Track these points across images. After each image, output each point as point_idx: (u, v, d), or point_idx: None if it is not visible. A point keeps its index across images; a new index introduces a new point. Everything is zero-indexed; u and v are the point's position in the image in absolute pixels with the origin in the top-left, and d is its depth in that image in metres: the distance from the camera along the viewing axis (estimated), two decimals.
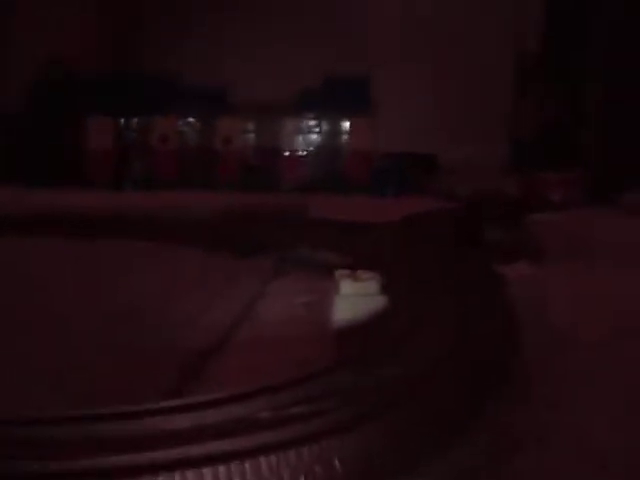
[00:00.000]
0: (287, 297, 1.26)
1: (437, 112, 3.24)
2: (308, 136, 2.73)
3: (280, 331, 1.09)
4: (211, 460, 0.51)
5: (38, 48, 3.02)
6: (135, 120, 2.77)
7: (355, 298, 1.02)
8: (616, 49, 2.69)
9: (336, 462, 0.55)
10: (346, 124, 2.72)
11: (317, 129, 2.74)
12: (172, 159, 2.72)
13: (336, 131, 2.74)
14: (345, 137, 2.73)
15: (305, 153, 2.73)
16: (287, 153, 2.73)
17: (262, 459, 0.52)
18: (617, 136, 2.69)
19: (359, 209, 2.11)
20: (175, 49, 3.33)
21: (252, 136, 2.74)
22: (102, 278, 1.40)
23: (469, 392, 0.75)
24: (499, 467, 0.68)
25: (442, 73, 3.34)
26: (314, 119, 2.73)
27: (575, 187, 2.41)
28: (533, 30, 3.14)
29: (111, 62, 3.36)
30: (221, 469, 0.51)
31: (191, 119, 2.74)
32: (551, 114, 2.95)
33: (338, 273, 1.07)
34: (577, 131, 2.81)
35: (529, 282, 1.31)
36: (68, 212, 1.99)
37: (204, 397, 0.58)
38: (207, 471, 0.50)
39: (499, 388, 0.81)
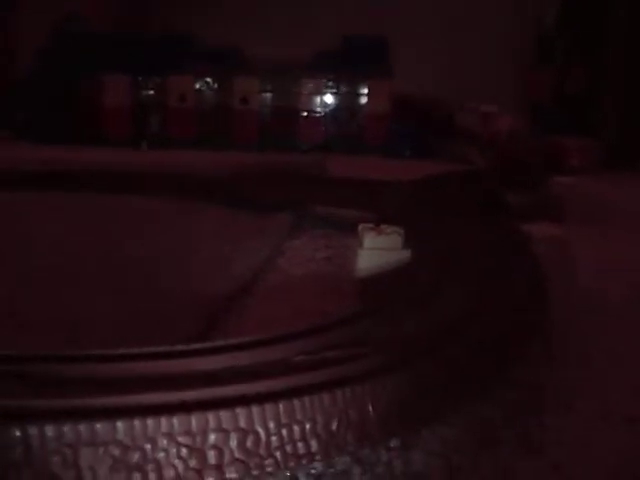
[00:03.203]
0: (308, 252, 1.26)
1: (455, 76, 3.21)
2: (326, 96, 2.71)
3: (302, 283, 1.08)
4: (245, 401, 0.50)
5: (54, 5, 3.01)
6: (152, 78, 2.75)
7: (379, 251, 1.02)
8: (638, 14, 2.66)
9: (370, 407, 0.55)
10: (364, 85, 2.70)
11: (335, 90, 2.72)
12: (189, 118, 2.71)
13: (354, 92, 2.72)
14: (363, 98, 2.71)
15: (323, 113, 2.71)
16: (304, 113, 2.71)
17: (296, 401, 0.52)
18: (636, 102, 2.67)
19: (376, 170, 2.10)
20: (191, 7, 3.31)
21: (269, 96, 2.72)
22: (120, 233, 1.39)
23: (495, 348, 0.74)
24: (524, 425, 0.68)
25: (460, 37, 3.31)
26: (332, 79, 2.71)
27: (593, 153, 2.39)
28: None
29: (127, 20, 3.35)
30: (255, 410, 0.50)
31: (208, 78, 2.72)
32: (570, 80, 2.93)
33: (361, 227, 1.06)
34: (596, 97, 2.78)
35: (554, 242, 1.30)
36: (85, 169, 1.98)
37: (236, 340, 0.58)
38: (241, 411, 0.50)
39: (526, 346, 0.80)
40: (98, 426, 0.47)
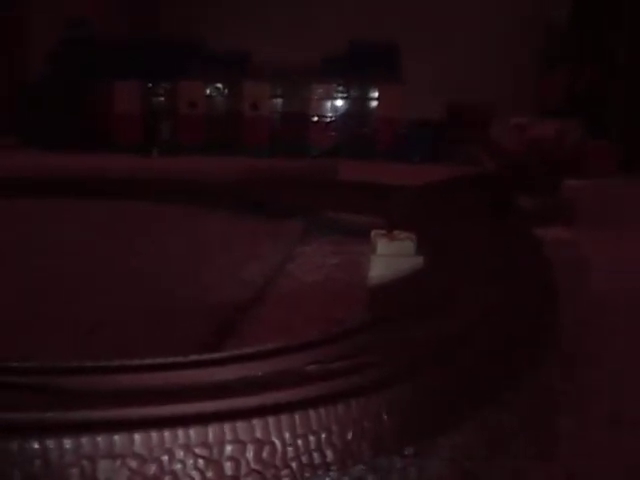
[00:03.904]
0: (318, 258, 1.26)
1: (465, 80, 3.21)
2: (336, 101, 2.72)
3: (314, 290, 1.08)
4: (260, 412, 0.51)
5: (63, 11, 3.01)
6: (162, 84, 2.76)
7: (391, 258, 1.02)
8: None
9: (384, 416, 0.55)
10: (374, 90, 2.71)
11: (345, 94, 2.72)
12: (199, 124, 2.72)
13: (364, 97, 2.72)
14: (373, 103, 2.72)
15: (333, 118, 2.72)
16: (315, 118, 2.71)
17: (311, 412, 0.52)
18: None
19: (386, 174, 2.10)
20: (201, 12, 3.32)
21: (279, 101, 2.72)
22: (131, 239, 1.40)
23: (507, 352, 0.74)
24: (536, 428, 0.68)
25: (470, 42, 3.31)
26: (342, 84, 2.71)
27: (605, 156, 2.39)
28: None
29: (136, 26, 3.35)
30: (271, 421, 0.50)
31: (218, 84, 2.73)
32: (580, 83, 2.93)
33: (374, 233, 1.06)
34: (606, 100, 2.78)
35: (565, 245, 1.30)
36: (95, 175, 1.99)
37: (251, 349, 0.58)
38: (257, 422, 0.50)
39: (537, 349, 0.80)
40: (116, 438, 0.48)
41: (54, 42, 2.96)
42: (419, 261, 1.01)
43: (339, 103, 2.71)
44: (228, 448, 0.49)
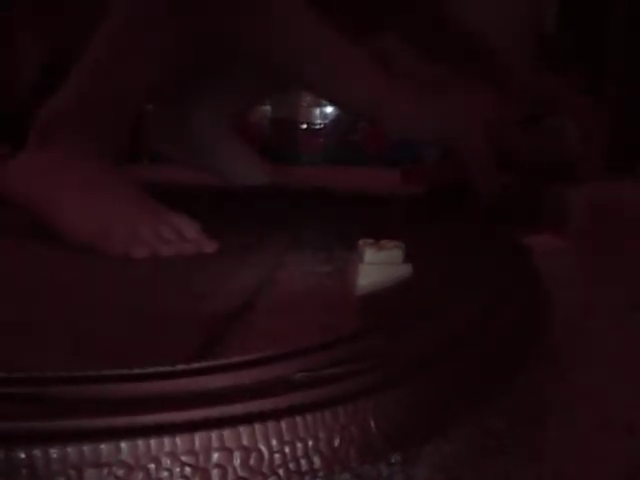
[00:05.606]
0: (308, 267, 1.26)
1: None
2: (325, 109, 2.72)
3: (303, 298, 1.08)
4: (248, 419, 0.51)
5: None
6: None
7: (380, 266, 1.02)
8: (637, 21, 2.67)
9: (372, 423, 0.55)
10: None
11: None
12: None
13: None
14: None
15: (322, 125, 2.72)
16: (304, 126, 2.71)
17: (298, 419, 0.52)
18: (637, 106, 2.67)
19: (376, 181, 2.10)
20: None
21: (268, 109, 2.72)
22: None
23: (497, 358, 0.75)
24: (527, 434, 0.68)
25: None
26: None
27: (597, 159, 2.38)
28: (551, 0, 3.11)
29: None
30: (258, 428, 0.51)
31: None
32: (570, 81, 2.92)
33: (362, 241, 1.06)
34: (596, 98, 2.78)
35: (554, 253, 1.30)
36: None
37: (238, 358, 0.58)
38: (244, 430, 0.50)
39: (527, 355, 0.81)
40: (102, 447, 0.48)
41: (48, 52, 2.95)
42: (408, 269, 1.02)
43: (328, 109, 2.71)
44: (215, 455, 0.50)
